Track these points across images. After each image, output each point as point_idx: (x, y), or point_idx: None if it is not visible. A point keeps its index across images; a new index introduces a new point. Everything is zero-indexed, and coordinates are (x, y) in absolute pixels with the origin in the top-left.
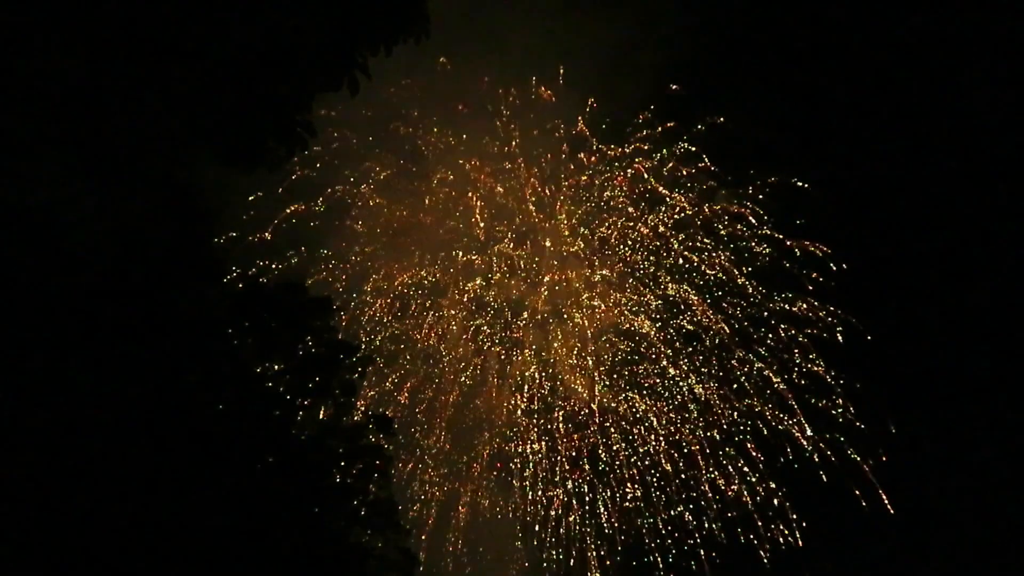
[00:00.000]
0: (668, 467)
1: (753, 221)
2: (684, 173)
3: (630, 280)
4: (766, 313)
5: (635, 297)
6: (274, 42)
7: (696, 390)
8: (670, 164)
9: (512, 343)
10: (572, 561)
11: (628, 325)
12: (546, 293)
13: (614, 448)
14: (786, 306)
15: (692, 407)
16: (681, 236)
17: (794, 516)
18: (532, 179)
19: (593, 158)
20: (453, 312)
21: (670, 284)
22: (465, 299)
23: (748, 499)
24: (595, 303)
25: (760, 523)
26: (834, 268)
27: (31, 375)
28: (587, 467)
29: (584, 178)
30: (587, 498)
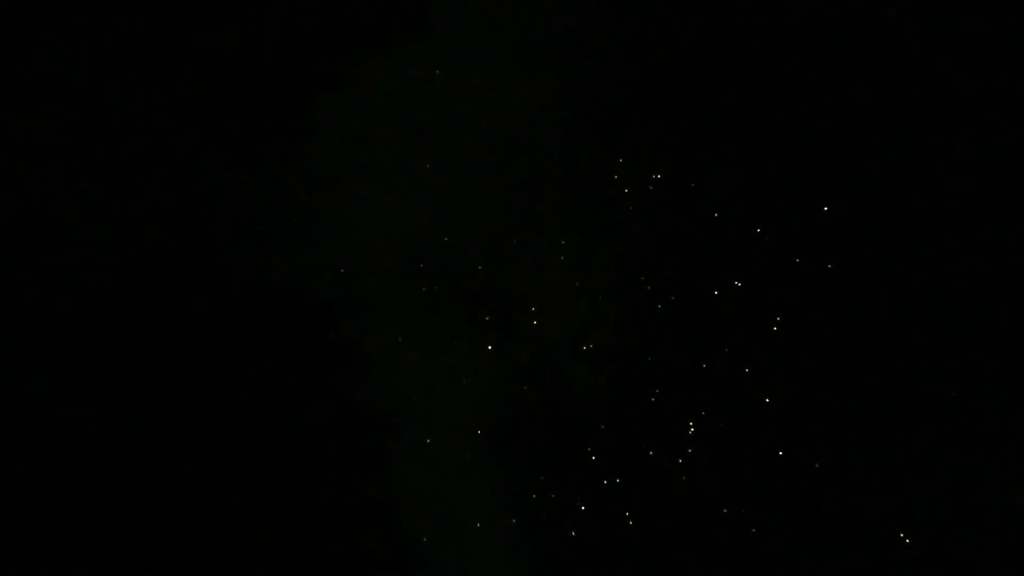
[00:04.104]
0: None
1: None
2: (689, 183)
3: (623, 279)
4: (763, 324)
5: (628, 295)
6: (273, 41)
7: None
8: (672, 169)
9: (509, 335)
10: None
11: (623, 324)
12: (543, 289)
13: (610, 449)
14: (784, 313)
15: (688, 420)
16: (681, 241)
17: (789, 539)
18: (530, 182)
19: (595, 162)
20: (451, 309)
21: (669, 290)
22: (463, 296)
23: (743, 511)
24: (590, 303)
25: (757, 540)
26: (844, 279)
27: (29, 376)
28: (584, 470)
29: (585, 186)
30: (583, 503)
